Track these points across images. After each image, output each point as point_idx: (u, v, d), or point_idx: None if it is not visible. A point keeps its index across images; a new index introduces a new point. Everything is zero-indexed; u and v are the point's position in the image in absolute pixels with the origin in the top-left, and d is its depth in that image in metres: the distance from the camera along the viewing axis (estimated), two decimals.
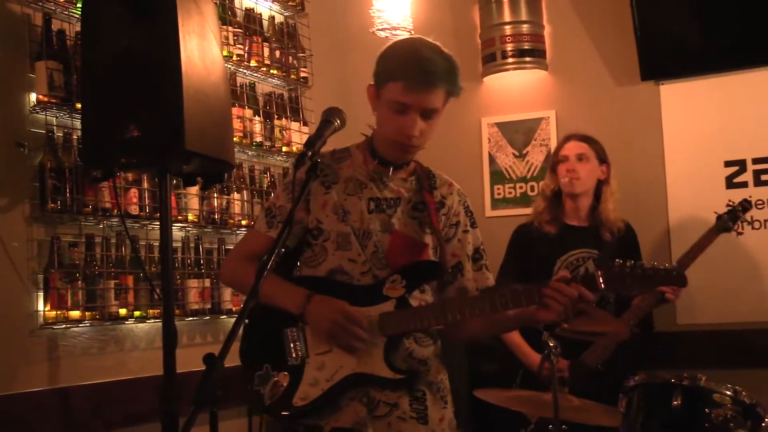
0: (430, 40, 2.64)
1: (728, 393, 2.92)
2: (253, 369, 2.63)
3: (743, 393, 2.94)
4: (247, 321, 2.61)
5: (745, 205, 4.02)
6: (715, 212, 4.09)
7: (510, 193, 5.08)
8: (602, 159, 4.10)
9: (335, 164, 2.72)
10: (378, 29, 4.80)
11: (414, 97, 2.52)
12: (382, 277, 2.61)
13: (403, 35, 4.75)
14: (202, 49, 3.04)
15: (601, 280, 2.44)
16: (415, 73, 2.52)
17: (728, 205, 4.09)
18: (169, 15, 2.91)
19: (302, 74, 4.74)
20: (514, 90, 5.11)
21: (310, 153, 2.37)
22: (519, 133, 5.02)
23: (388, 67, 2.59)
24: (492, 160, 5.13)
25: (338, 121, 2.50)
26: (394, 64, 2.58)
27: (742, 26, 4.57)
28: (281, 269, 2.71)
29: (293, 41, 4.69)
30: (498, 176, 5.07)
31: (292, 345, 2.61)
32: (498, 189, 5.05)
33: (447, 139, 5.17)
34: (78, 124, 3.25)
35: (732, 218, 3.99)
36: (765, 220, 4.60)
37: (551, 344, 3.13)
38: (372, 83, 2.64)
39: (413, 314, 2.59)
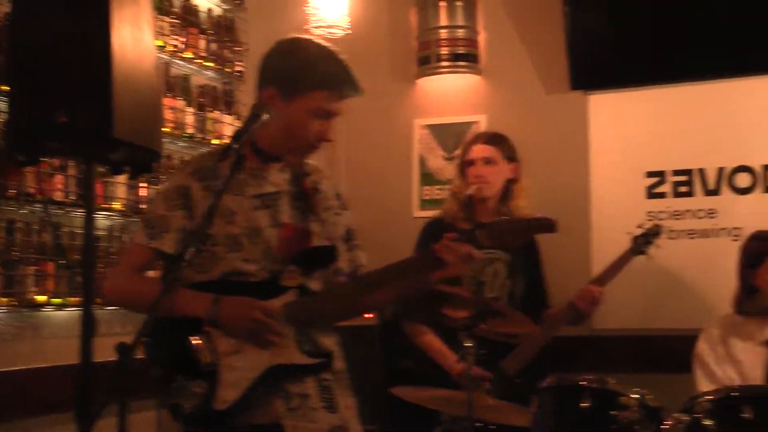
0: (329, 44, 2.73)
1: (634, 396, 2.94)
2: (166, 382, 2.57)
3: (649, 396, 2.97)
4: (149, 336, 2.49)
5: (656, 230, 4.11)
6: (628, 233, 4.14)
7: (438, 194, 5.04)
8: (511, 158, 4.08)
9: (216, 165, 2.64)
10: (314, 27, 4.77)
11: (339, 105, 2.63)
12: (275, 270, 2.60)
13: (339, 33, 4.74)
14: (134, 38, 2.97)
15: (485, 236, 2.53)
16: (343, 83, 2.62)
17: (639, 227, 4.15)
18: (102, 1, 2.84)
19: (238, 68, 4.68)
20: (446, 93, 5.11)
21: (237, 146, 2.37)
22: (450, 136, 5.03)
23: (311, 75, 2.61)
24: (422, 161, 5.12)
25: (267, 116, 2.49)
26: (320, 73, 2.61)
27: (670, 43, 4.64)
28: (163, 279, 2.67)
29: (230, 35, 4.65)
30: (427, 178, 5.07)
31: (200, 352, 2.54)
32: (427, 190, 5.05)
33: (379, 139, 5.20)
34: (3, 106, 3.14)
35: (645, 242, 4.07)
36: (682, 231, 4.66)
37: (468, 345, 3.17)
38: (276, 87, 2.63)
39: (318, 299, 2.63)
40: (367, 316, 4.26)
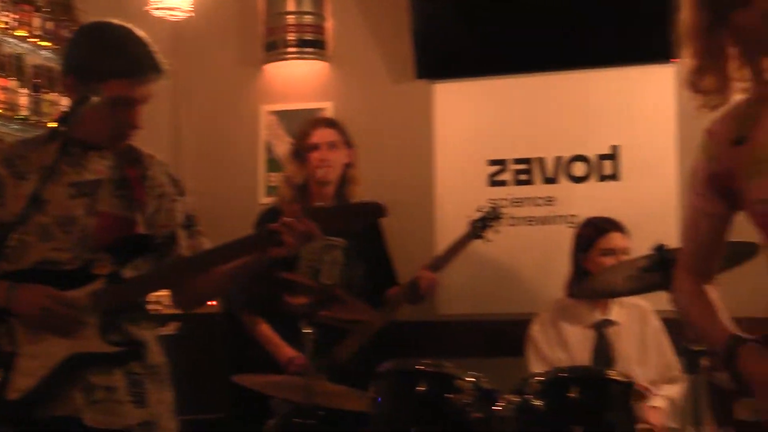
0: (128, 26, 2.60)
1: (469, 380, 3.00)
2: None
3: (483, 379, 3.03)
4: None
5: (495, 213, 4.18)
6: (468, 217, 4.20)
7: None
8: (349, 143, 4.12)
9: (28, 152, 2.56)
10: (153, 8, 4.64)
11: (141, 90, 2.52)
12: (90, 259, 2.50)
13: (180, 16, 4.64)
14: None
15: (317, 216, 2.50)
16: (142, 68, 2.51)
17: (478, 211, 4.21)
18: None
19: None
20: (293, 79, 5.07)
21: (64, 129, 2.30)
22: (296, 123, 4.95)
23: (107, 63, 2.51)
24: (269, 147, 5.07)
25: (96, 99, 2.41)
26: (116, 61, 2.51)
27: (515, 34, 4.70)
28: None
29: (68, 14, 4.45)
30: (273, 164, 5.01)
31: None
32: (273, 176, 4.98)
33: (225, 124, 5.13)
34: None
35: (483, 226, 4.14)
36: (522, 217, 4.75)
37: (308, 332, 3.17)
38: (74, 77, 2.54)
39: (127, 286, 2.53)
40: (210, 303, 4.19)
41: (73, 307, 2.42)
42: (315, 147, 4.04)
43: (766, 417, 1.84)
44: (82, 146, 2.56)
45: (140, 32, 2.60)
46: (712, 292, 2.09)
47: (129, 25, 2.60)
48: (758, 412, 1.88)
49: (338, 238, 3.91)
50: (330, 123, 4.20)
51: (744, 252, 2.87)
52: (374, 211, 2.63)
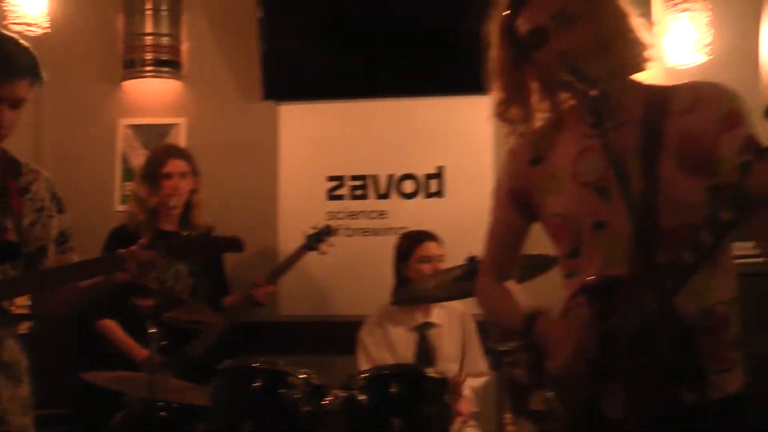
0: (6, 32, 2.56)
1: (301, 376, 3.07)
2: None
3: (314, 376, 3.11)
4: None
5: (328, 230, 4.34)
6: (304, 232, 4.33)
7: None
8: (196, 172, 4.19)
9: None
10: (12, 23, 4.51)
11: (6, 90, 2.42)
12: None
13: (37, 32, 4.53)
14: None
15: (170, 246, 2.51)
16: (6, 69, 2.42)
17: (314, 228, 4.35)
18: None
19: None
20: (150, 96, 5.02)
21: None
22: (151, 136, 4.96)
23: None
24: (125, 158, 5.01)
25: None
26: None
27: (355, 62, 4.79)
28: None
29: None
30: (129, 174, 4.94)
31: None
32: (128, 186, 4.92)
33: (85, 136, 5.03)
34: None
35: (317, 240, 4.28)
36: (357, 229, 4.84)
37: (153, 332, 3.17)
38: None
39: None
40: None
41: None
42: (168, 176, 4.08)
43: (556, 407, 1.98)
44: None
45: (22, 42, 2.51)
46: (510, 288, 2.23)
47: (12, 34, 2.54)
48: (550, 402, 2.01)
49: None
50: (182, 154, 4.22)
51: (542, 264, 3.05)
52: (233, 245, 2.67)
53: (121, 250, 2.48)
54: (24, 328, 3.93)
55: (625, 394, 1.83)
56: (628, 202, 1.70)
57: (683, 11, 4.42)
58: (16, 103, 2.47)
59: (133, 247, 2.46)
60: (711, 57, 4.41)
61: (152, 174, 4.12)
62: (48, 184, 2.69)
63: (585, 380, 1.92)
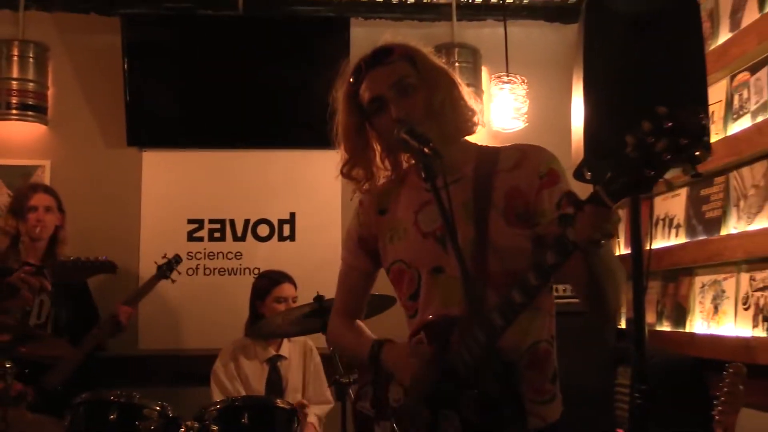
0: None
1: (156, 408, 2.95)
2: None
3: (169, 408, 2.99)
4: None
5: (177, 259, 4.29)
6: (155, 262, 4.25)
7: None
8: (61, 209, 4.05)
9: None
10: None
11: None
12: None
13: None
14: None
15: (52, 272, 2.39)
16: None
17: (164, 257, 4.28)
18: None
19: None
20: (15, 138, 4.76)
21: None
22: (15, 177, 4.71)
23: None
24: None
25: None
26: None
27: (214, 114, 4.74)
28: None
29: None
30: None
31: None
32: None
33: None
34: None
35: (168, 268, 4.22)
36: (215, 268, 4.79)
37: (8, 366, 2.99)
38: None
39: None
40: None
41: None
42: (33, 209, 3.94)
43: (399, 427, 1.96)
44: None
45: None
46: (360, 324, 2.22)
47: None
48: None
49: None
50: (47, 190, 4.09)
51: (386, 302, 3.07)
52: (108, 267, 2.60)
53: (12, 277, 2.35)
54: None
55: (459, 422, 1.84)
56: (455, 249, 1.73)
57: (506, 83, 4.63)
58: None
59: (22, 274, 2.35)
60: (527, 124, 4.64)
61: (19, 207, 3.98)
62: None
63: (422, 410, 1.91)
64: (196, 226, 4.81)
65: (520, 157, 1.98)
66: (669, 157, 1.47)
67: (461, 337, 1.85)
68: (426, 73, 1.98)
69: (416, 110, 1.93)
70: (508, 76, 4.65)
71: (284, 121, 4.70)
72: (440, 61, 2.05)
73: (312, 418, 3.81)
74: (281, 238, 4.84)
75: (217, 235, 4.82)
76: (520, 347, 1.90)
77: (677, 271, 3.88)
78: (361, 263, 2.17)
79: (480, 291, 1.84)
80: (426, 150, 1.78)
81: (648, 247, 2.20)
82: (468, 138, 2.08)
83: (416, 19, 4.82)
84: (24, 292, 2.36)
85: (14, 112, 4.65)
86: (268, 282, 4.02)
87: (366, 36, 4.56)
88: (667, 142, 1.45)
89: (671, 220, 3.98)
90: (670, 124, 1.46)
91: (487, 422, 1.79)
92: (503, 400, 1.76)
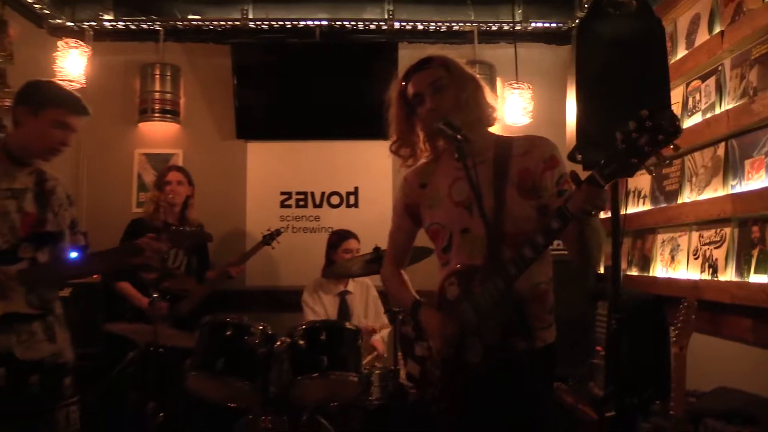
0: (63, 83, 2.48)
1: (260, 327, 2.96)
2: None
3: (268, 327, 3.00)
4: None
5: (277, 232, 4.26)
6: (262, 233, 4.25)
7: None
8: (190, 183, 4.05)
9: None
10: (59, 79, 4.25)
11: (73, 120, 2.37)
12: (16, 244, 2.32)
13: (77, 86, 4.29)
14: None
15: (167, 237, 2.40)
16: (78, 106, 2.40)
17: (268, 230, 4.26)
18: None
19: (6, 104, 4.04)
20: (157, 133, 4.82)
21: None
22: (158, 162, 4.77)
23: (52, 99, 2.35)
24: (140, 176, 4.80)
25: (1, 135, 2.22)
26: (59, 98, 2.37)
27: (300, 113, 4.68)
28: None
29: (2, 80, 4.01)
30: (142, 187, 4.75)
31: None
32: (142, 195, 4.72)
33: (111, 161, 4.82)
34: None
35: (270, 239, 4.22)
36: (300, 228, 4.74)
37: (155, 295, 3.04)
38: (24, 107, 2.35)
39: (44, 268, 2.37)
40: (95, 277, 3.95)
41: (5, 276, 2.25)
42: (169, 183, 3.96)
43: (433, 354, 1.94)
44: (11, 161, 2.38)
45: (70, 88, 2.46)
46: (404, 275, 2.19)
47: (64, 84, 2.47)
48: (429, 350, 1.97)
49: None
50: (180, 169, 4.09)
51: (425, 253, 3.02)
52: (207, 237, 2.61)
53: (139, 240, 2.37)
54: (66, 291, 3.75)
55: (481, 346, 1.81)
56: (482, 215, 1.69)
57: (515, 88, 4.51)
58: (75, 130, 2.42)
59: (146, 239, 2.36)
60: (532, 120, 4.52)
61: (159, 182, 4.01)
62: (63, 186, 2.56)
63: (453, 339, 1.88)
64: (286, 197, 4.79)
65: (529, 145, 1.93)
66: (648, 149, 1.43)
67: (482, 281, 1.81)
68: (457, 77, 1.94)
69: (446, 103, 1.90)
70: (517, 83, 4.53)
71: (350, 119, 4.63)
72: (469, 69, 1.99)
73: (378, 337, 3.83)
74: (348, 206, 4.79)
75: (301, 203, 4.78)
76: (526, 286, 1.85)
77: (643, 231, 3.77)
78: (406, 224, 2.14)
79: (498, 247, 1.79)
80: (458, 137, 1.74)
81: (623, 212, 2.13)
82: (488, 129, 2.02)
83: (447, 42, 4.74)
84: (147, 252, 2.37)
85: (157, 115, 4.70)
86: (339, 238, 4.02)
87: (410, 55, 4.36)
88: (648, 138, 1.42)
89: (639, 192, 3.86)
90: (650, 123, 1.43)
91: (507, 342, 1.76)
92: (518, 326, 1.72)
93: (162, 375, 3.08)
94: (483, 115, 1.96)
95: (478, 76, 2.00)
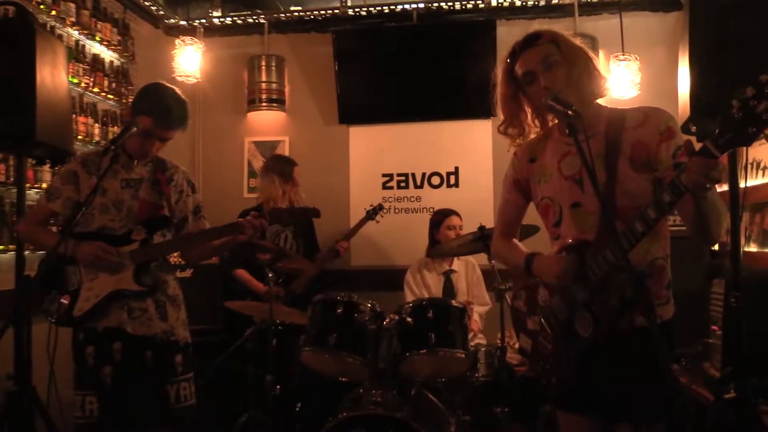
0: (175, 88, 2.52)
1: (369, 305, 3.01)
2: (44, 295, 2.46)
3: (376, 305, 3.05)
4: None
5: (380, 207, 4.28)
6: (365, 208, 4.28)
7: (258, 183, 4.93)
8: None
9: (99, 158, 2.54)
10: (178, 75, 4.54)
11: (162, 132, 2.48)
12: (132, 228, 2.49)
13: (192, 81, 4.53)
14: (52, 74, 2.76)
15: (269, 216, 2.48)
16: (166, 118, 2.46)
17: (371, 205, 4.29)
18: (28, 48, 2.64)
19: (130, 100, 4.37)
20: (265, 122, 4.99)
21: (114, 147, 2.27)
22: (267, 149, 4.95)
23: (144, 103, 2.47)
24: (249, 163, 5.00)
25: (134, 129, 2.38)
26: (149, 104, 2.46)
27: (400, 97, 4.69)
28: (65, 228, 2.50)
29: (126, 78, 4.33)
30: (252, 173, 4.95)
31: (71, 276, 2.44)
32: (252, 181, 4.93)
33: (224, 148, 5.03)
34: None
35: (374, 213, 4.25)
36: (402, 208, 4.76)
37: (270, 275, 3.16)
38: (130, 109, 2.51)
39: (153, 248, 2.50)
40: (214, 259, 4.16)
41: (118, 255, 2.40)
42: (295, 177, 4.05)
43: (545, 327, 1.92)
44: (129, 156, 2.54)
45: (181, 95, 2.51)
46: (515, 241, 2.16)
47: (176, 88, 2.53)
48: (541, 324, 1.94)
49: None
50: (295, 163, 4.15)
51: (532, 230, 2.97)
52: (314, 213, 2.66)
53: (241, 219, 2.48)
54: (189, 273, 3.99)
55: (591, 318, 1.78)
56: (596, 189, 1.64)
57: (621, 61, 4.31)
58: (165, 141, 2.53)
59: (248, 217, 2.46)
60: (640, 92, 4.31)
61: (290, 176, 4.05)
62: (185, 174, 2.70)
63: (563, 309, 1.86)
64: (387, 178, 4.82)
65: (644, 118, 1.85)
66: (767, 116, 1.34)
67: (593, 256, 1.77)
68: (567, 52, 1.87)
69: (559, 80, 1.84)
70: (623, 54, 4.32)
71: (449, 99, 4.59)
72: (579, 42, 1.92)
73: (475, 316, 3.81)
74: (449, 186, 4.75)
75: (402, 184, 4.79)
76: (643, 262, 1.79)
77: (763, 204, 3.52)
78: (516, 198, 2.10)
79: (610, 221, 1.74)
80: (570, 112, 1.69)
81: (742, 185, 2.01)
82: (599, 102, 1.95)
83: (546, 17, 4.59)
84: (247, 229, 2.45)
85: (264, 104, 4.86)
86: (441, 215, 4.01)
87: (508, 32, 4.39)
88: (767, 104, 1.32)
89: (758, 163, 3.61)
90: None
91: (621, 317, 1.71)
92: (638, 299, 1.67)
93: (278, 350, 3.21)
94: (595, 87, 1.89)
95: (587, 48, 1.93)
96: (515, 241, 2.16)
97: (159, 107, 2.45)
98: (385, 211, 4.38)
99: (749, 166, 3.70)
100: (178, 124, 2.49)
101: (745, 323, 2.29)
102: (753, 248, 3.59)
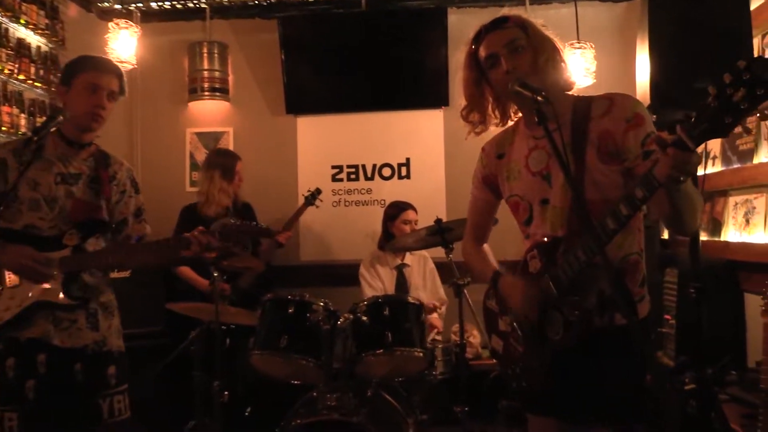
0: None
1: (321, 303, 2.89)
2: None
3: (330, 303, 2.93)
4: None
5: (318, 191, 4.21)
6: (303, 194, 4.23)
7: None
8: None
9: (26, 148, 2.26)
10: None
11: (104, 80, 2.26)
12: (64, 230, 2.25)
13: (128, 67, 4.26)
14: None
15: (220, 234, 2.25)
16: (103, 66, 2.30)
17: (308, 190, 4.23)
18: None
19: None
20: (207, 112, 4.77)
21: (36, 138, 2.04)
22: (210, 140, 4.73)
23: (76, 67, 2.28)
24: (192, 155, 4.77)
25: (60, 117, 2.15)
26: (82, 64, 2.28)
27: (348, 87, 4.56)
28: None
29: (55, 65, 4.01)
30: (194, 166, 4.72)
31: None
32: (194, 174, 4.70)
33: (164, 140, 4.80)
34: None
35: (312, 198, 4.18)
36: (352, 201, 4.65)
37: (216, 274, 2.99)
38: (61, 86, 2.29)
39: (86, 257, 2.27)
40: None
41: (46, 264, 2.17)
42: (237, 173, 3.92)
43: (515, 329, 1.82)
44: (69, 144, 2.29)
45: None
46: (486, 248, 2.05)
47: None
48: (512, 326, 1.85)
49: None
50: (238, 156, 4.00)
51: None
52: (267, 233, 2.48)
53: (187, 234, 2.26)
54: (126, 273, 3.75)
55: (562, 320, 1.69)
56: (568, 179, 1.53)
57: (577, 48, 4.26)
58: (111, 95, 2.29)
59: (195, 232, 2.24)
60: (595, 81, 4.27)
61: (230, 173, 3.90)
62: (129, 172, 2.46)
63: (536, 303, 1.76)
64: (337, 170, 4.69)
65: (609, 104, 1.75)
66: (746, 105, 1.25)
67: (564, 254, 1.68)
68: (534, 38, 1.76)
69: (523, 65, 1.73)
70: (579, 42, 4.26)
71: (399, 89, 4.48)
72: (547, 31, 1.82)
73: (435, 315, 3.71)
74: (400, 177, 4.66)
75: (353, 176, 4.68)
76: (616, 258, 1.70)
77: (713, 193, 3.55)
78: (486, 196, 1.99)
79: (580, 217, 1.64)
80: (539, 98, 1.57)
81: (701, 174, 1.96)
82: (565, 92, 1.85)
83: (498, 5, 4.49)
84: (194, 246, 2.24)
85: (206, 93, 4.64)
86: (397, 209, 3.91)
87: (459, 21, 4.30)
88: (745, 92, 1.23)
89: (708, 153, 3.63)
90: (748, 76, 1.24)
91: (605, 316, 1.62)
92: (618, 298, 1.57)
93: (226, 353, 3.05)
94: (560, 78, 1.79)
95: (555, 39, 1.82)
96: (486, 247, 2.05)
97: (88, 60, 2.30)
98: (331, 200, 4.27)
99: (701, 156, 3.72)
100: (113, 69, 2.31)
101: (700, 312, 2.25)
102: (704, 237, 3.62)
